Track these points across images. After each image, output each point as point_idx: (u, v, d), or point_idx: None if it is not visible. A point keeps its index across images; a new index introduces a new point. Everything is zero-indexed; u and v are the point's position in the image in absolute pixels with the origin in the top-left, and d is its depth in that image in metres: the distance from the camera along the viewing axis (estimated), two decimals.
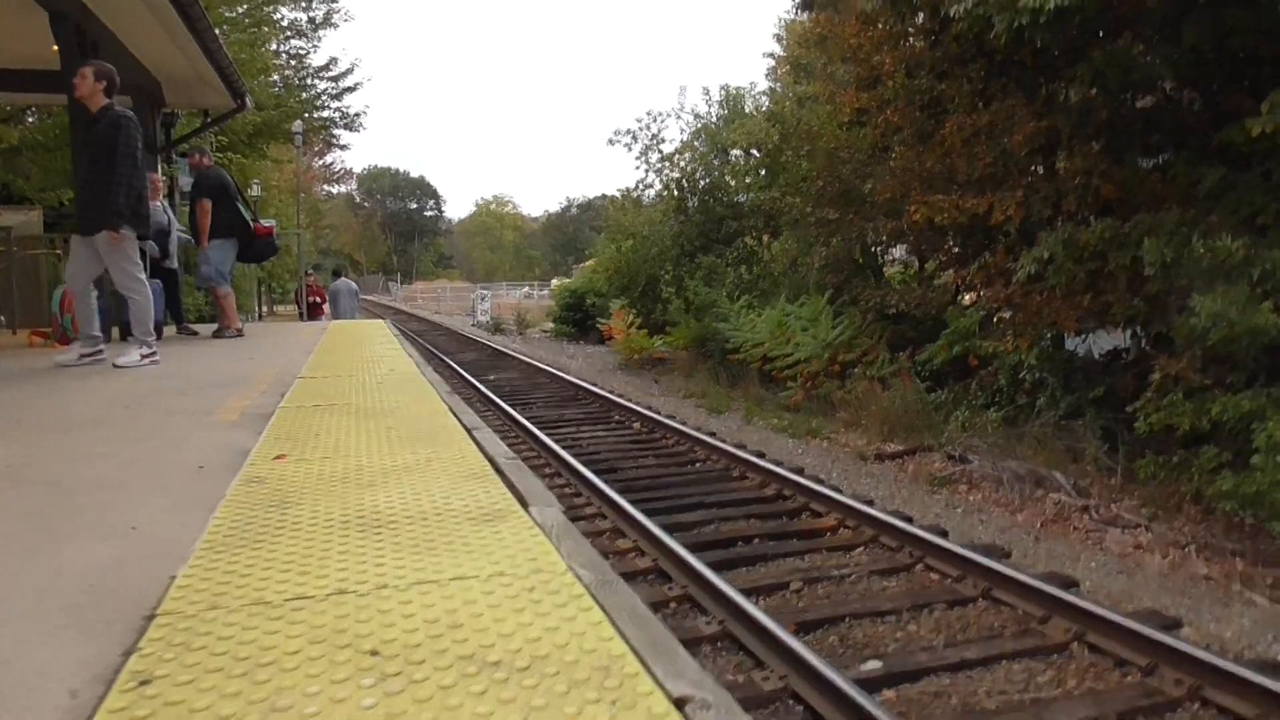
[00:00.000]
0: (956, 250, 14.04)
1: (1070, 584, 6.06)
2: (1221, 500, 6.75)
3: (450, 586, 1.87)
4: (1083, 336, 10.47)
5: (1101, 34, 9.27)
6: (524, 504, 2.50)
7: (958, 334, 12.64)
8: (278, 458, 3.24)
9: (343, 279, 21.59)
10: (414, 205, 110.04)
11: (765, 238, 18.93)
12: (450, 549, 2.09)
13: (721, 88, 21.94)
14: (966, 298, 14.28)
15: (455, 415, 4.01)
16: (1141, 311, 8.72)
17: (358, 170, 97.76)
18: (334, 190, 67.82)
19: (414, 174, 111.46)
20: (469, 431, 3.62)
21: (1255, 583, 6.59)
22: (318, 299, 21.81)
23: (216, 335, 9.92)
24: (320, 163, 50.12)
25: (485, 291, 43.79)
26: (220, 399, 4.91)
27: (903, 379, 12.71)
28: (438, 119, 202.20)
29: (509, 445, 5.58)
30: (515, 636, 1.65)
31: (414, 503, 2.50)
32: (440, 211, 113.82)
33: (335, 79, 22.03)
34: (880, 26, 12.08)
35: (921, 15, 11.02)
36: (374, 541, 2.17)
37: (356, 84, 22.11)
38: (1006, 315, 11.01)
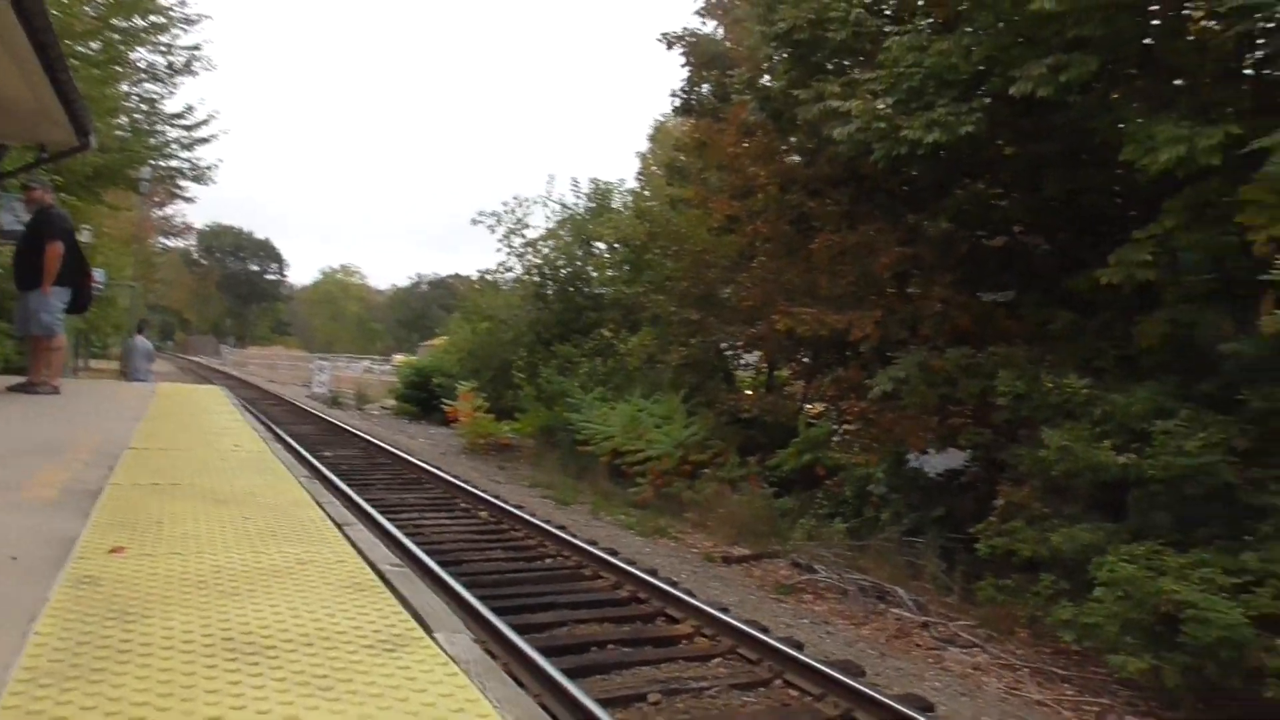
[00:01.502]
0: (807, 361, 14.47)
1: (927, 707, 6.06)
2: (1061, 629, 6.96)
3: None
4: (917, 456, 10.83)
5: (966, 175, 9.85)
6: (426, 628, 2.17)
7: (807, 443, 12.89)
8: (114, 550, 2.75)
9: (139, 336, 19.61)
10: (255, 267, 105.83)
11: (623, 332, 18.99)
12: (351, 690, 1.73)
13: (591, 180, 22.18)
14: (813, 408, 14.66)
15: (320, 506, 3.60)
16: (987, 438, 9.08)
17: (199, 226, 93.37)
18: (170, 244, 64.15)
19: (259, 235, 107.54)
20: (340, 528, 3.24)
21: (1084, 711, 6.78)
22: None
23: (23, 389, 8.50)
24: (160, 214, 47.30)
25: (324, 362, 41.94)
26: (32, 470, 4.23)
27: (751, 483, 12.81)
28: (289, 182, 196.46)
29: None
30: None
31: (293, 621, 2.12)
32: (283, 276, 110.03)
33: (189, 128, 20.84)
34: (758, 139, 12.49)
35: (800, 134, 11.45)
36: (251, 674, 1.78)
37: (211, 136, 20.91)
38: (856, 429, 11.29)
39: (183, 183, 22.43)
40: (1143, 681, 6.28)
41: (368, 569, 2.65)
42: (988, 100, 7.97)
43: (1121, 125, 7.41)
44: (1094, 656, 7.22)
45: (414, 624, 2.17)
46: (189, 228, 64.01)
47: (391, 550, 8.41)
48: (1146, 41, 7.83)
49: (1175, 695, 6.26)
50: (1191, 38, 8.01)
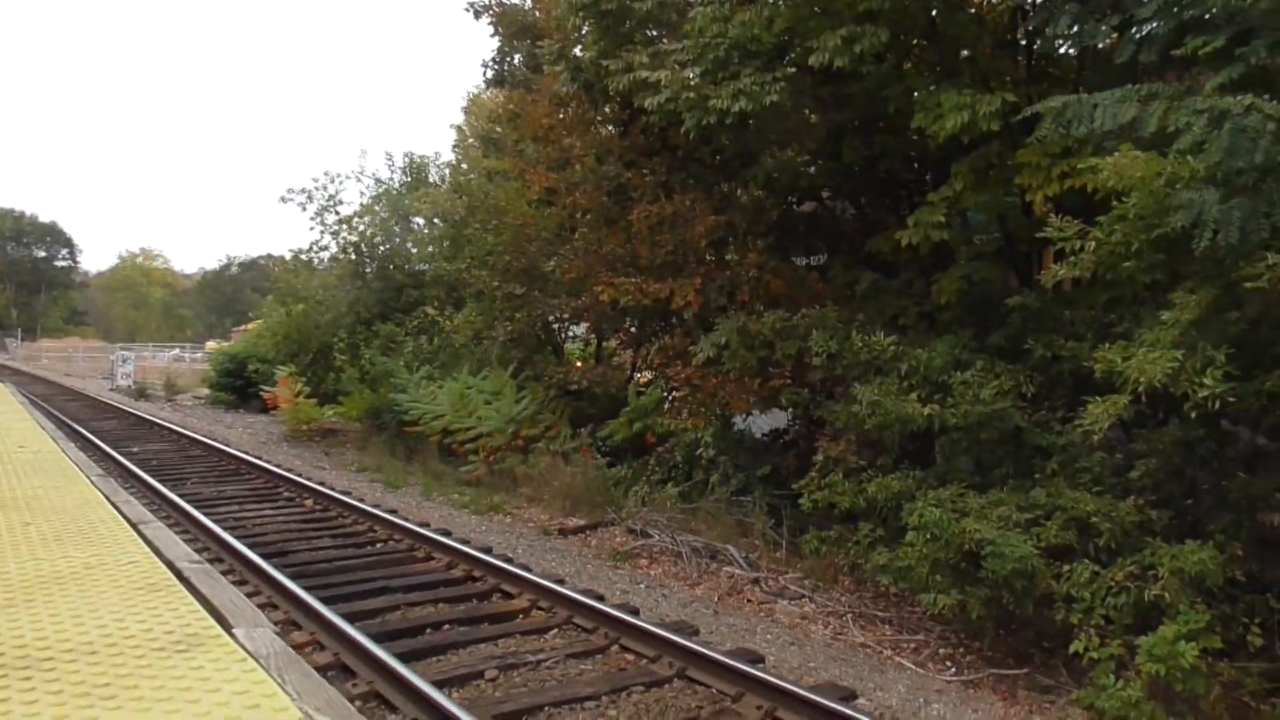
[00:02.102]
0: (634, 331, 14.63)
1: (757, 659, 6.29)
2: (878, 573, 7.37)
3: None
4: (744, 417, 11.20)
5: (773, 143, 10.15)
6: (225, 625, 2.05)
7: (637, 411, 13.08)
8: None
9: None
10: (42, 253, 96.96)
11: (447, 309, 18.61)
12: (136, 697, 1.62)
13: (405, 154, 21.53)
14: (642, 376, 14.87)
15: (114, 505, 3.35)
16: (805, 397, 9.47)
17: None
18: None
19: (43, 218, 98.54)
20: (135, 527, 3.02)
21: (903, 649, 7.24)
22: None
23: None
24: None
25: (127, 353, 39.02)
26: None
27: (584, 455, 12.88)
28: (75, 160, 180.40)
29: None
30: None
31: (75, 629, 1.96)
32: (74, 262, 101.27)
33: None
34: (572, 110, 12.45)
35: (613, 105, 11.48)
36: (22, 690, 1.63)
37: None
38: (683, 395, 11.53)
39: None
40: (950, 616, 6.75)
41: (164, 568, 2.49)
42: (791, 70, 8.23)
43: (913, 94, 7.81)
44: (909, 597, 7.69)
45: (211, 622, 2.06)
46: None
47: (207, 545, 7.99)
48: (932, 14, 8.28)
49: (980, 626, 6.76)
50: (972, 10, 8.54)
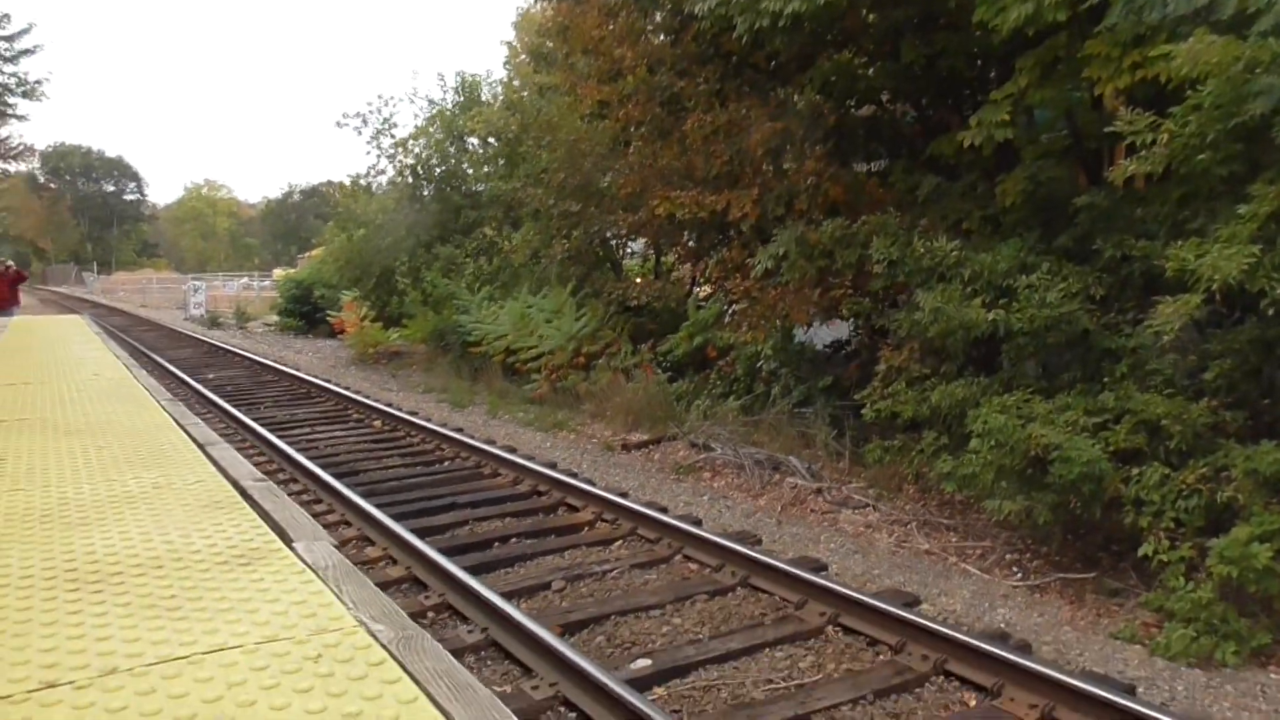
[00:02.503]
0: (693, 245, 14.50)
1: (820, 567, 6.34)
2: (943, 481, 7.32)
3: (207, 664, 1.47)
4: (805, 329, 11.09)
5: (829, 45, 9.80)
6: (286, 539, 2.12)
7: (697, 326, 13.06)
8: None
9: None
10: (111, 188, 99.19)
11: (505, 229, 18.62)
12: (200, 608, 1.69)
13: (458, 74, 21.33)
14: (702, 291, 14.79)
15: (183, 428, 3.46)
16: (866, 306, 9.32)
17: (41, 147, 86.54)
18: (10, 168, 59.40)
19: (110, 153, 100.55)
20: (202, 448, 3.12)
21: (968, 555, 7.22)
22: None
23: None
24: None
25: (199, 283, 40.04)
26: None
27: (645, 370, 12.93)
28: (139, 94, 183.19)
29: (240, 453, 4.99)
30: None
31: (143, 545, 2.04)
32: (143, 195, 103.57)
33: (8, 39, 19.11)
34: (622, 20, 12.14)
35: (663, 12, 11.16)
36: (93, 603, 1.71)
37: (35, 46, 19.25)
38: (743, 307, 11.44)
39: (11, 99, 20.71)
40: (1017, 522, 6.68)
41: (229, 487, 2.58)
42: None
43: None
44: (974, 504, 7.64)
45: (273, 537, 2.12)
46: (29, 149, 59.35)
47: (282, 466, 8.25)
48: None
49: (1046, 531, 6.69)
50: None
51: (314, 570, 1.92)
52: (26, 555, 2.03)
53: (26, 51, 19.50)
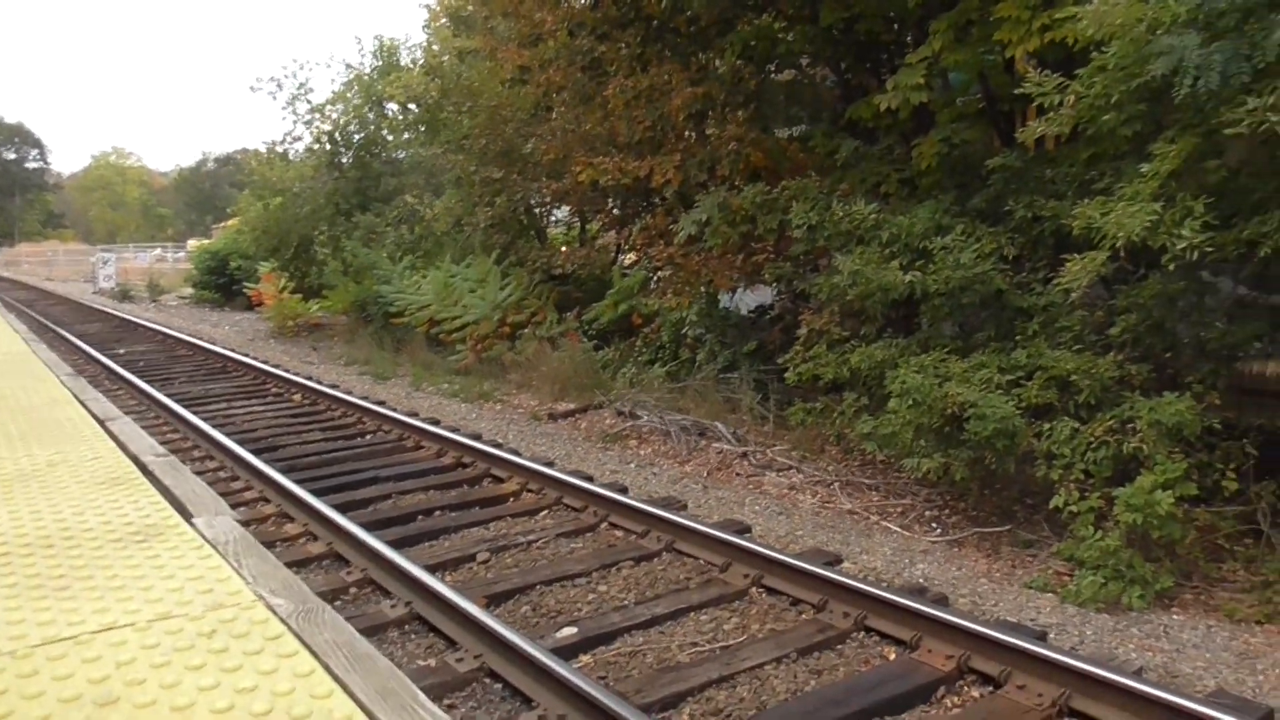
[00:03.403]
0: (617, 212, 14.43)
1: (744, 530, 6.41)
2: (864, 441, 7.45)
3: (95, 644, 1.41)
4: (729, 295, 11.15)
5: (749, 9, 9.78)
6: (186, 515, 2.05)
7: (622, 293, 13.04)
8: None
9: None
10: (11, 155, 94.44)
11: (427, 196, 18.30)
12: (90, 587, 1.62)
13: (375, 38, 20.79)
14: (627, 258, 14.75)
15: (82, 403, 3.32)
16: (788, 271, 9.39)
17: None
18: None
19: (9, 119, 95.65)
20: (102, 423, 3.00)
21: (889, 514, 7.38)
22: None
23: None
24: None
25: (108, 255, 38.58)
26: None
27: (570, 339, 12.89)
28: (39, 57, 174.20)
29: (150, 432, 4.82)
30: (195, 710, 1.26)
31: (33, 524, 1.96)
32: (46, 164, 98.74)
33: None
34: None
35: None
36: None
37: None
38: (667, 274, 11.45)
39: None
40: (935, 479, 6.85)
41: (128, 462, 2.48)
42: None
43: None
44: (894, 463, 7.81)
45: (171, 512, 2.06)
46: None
47: (197, 443, 8.03)
48: None
49: (964, 487, 6.87)
50: None
51: (213, 545, 1.87)
52: None
53: None
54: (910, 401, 6.62)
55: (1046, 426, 6.22)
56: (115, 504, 2.16)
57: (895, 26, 9.30)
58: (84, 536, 1.92)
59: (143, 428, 3.77)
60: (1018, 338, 6.92)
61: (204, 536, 1.92)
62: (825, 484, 8.10)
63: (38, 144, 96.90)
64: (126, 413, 4.49)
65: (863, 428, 7.35)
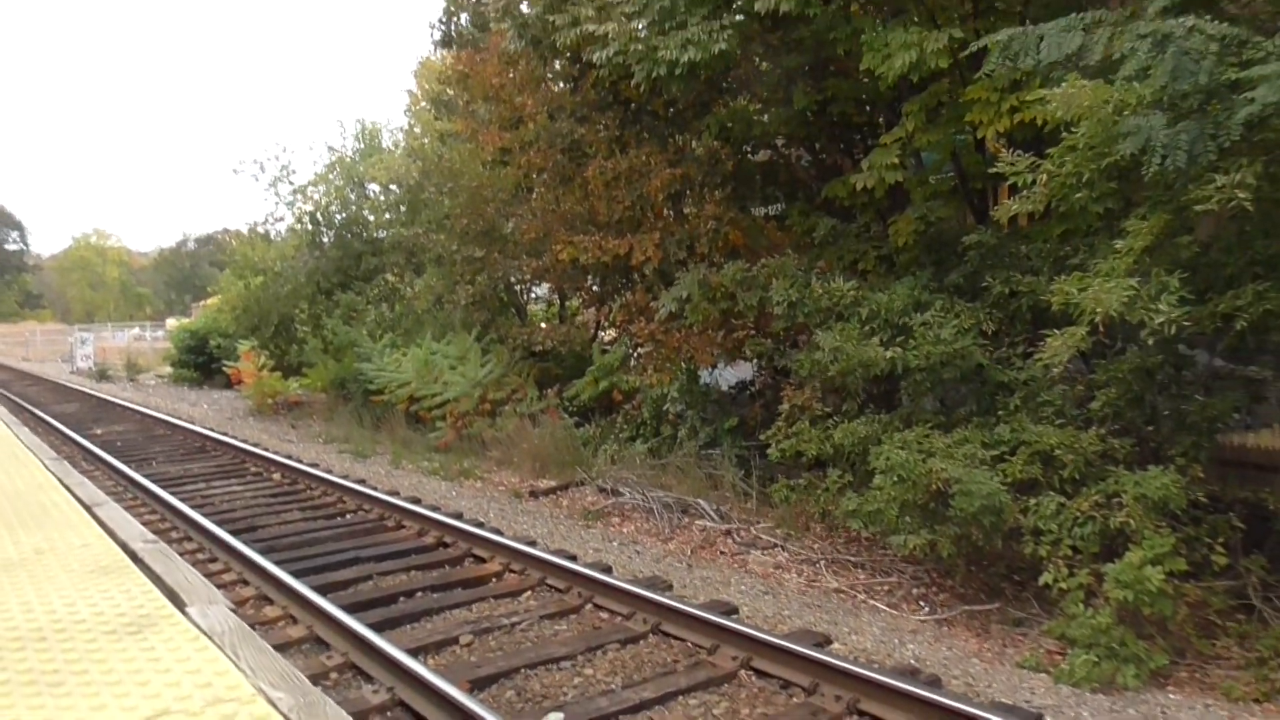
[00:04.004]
0: (596, 289, 14.53)
1: (731, 610, 6.32)
2: (848, 518, 7.40)
3: None
4: (710, 371, 11.18)
5: (725, 92, 10.03)
6: (179, 603, 1.99)
7: (603, 369, 13.04)
8: None
9: None
10: None
11: (408, 275, 18.39)
12: (85, 682, 1.56)
13: (357, 121, 21.13)
14: (607, 334, 14.81)
15: (67, 488, 3.25)
16: (768, 347, 9.45)
17: None
18: None
19: None
20: (89, 509, 2.94)
21: (876, 592, 7.31)
22: None
23: None
24: None
25: (86, 334, 38.39)
26: None
27: (551, 416, 12.84)
28: (21, 140, 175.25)
29: (131, 511, 4.71)
30: None
31: (24, 616, 1.89)
32: (25, 245, 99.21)
33: None
34: (522, 68, 12.22)
35: (562, 60, 11.27)
36: None
37: None
38: (648, 351, 11.49)
39: None
40: (921, 556, 6.79)
41: (117, 550, 2.42)
42: (738, 17, 8.10)
43: (861, 35, 7.71)
44: (880, 540, 7.75)
45: (164, 601, 2.00)
46: None
47: (177, 526, 7.88)
48: None
49: (950, 564, 6.82)
50: None
51: (209, 636, 1.81)
52: None
53: None
54: (895, 478, 6.60)
55: (1032, 502, 6.21)
56: (106, 593, 2.10)
57: (868, 108, 9.56)
58: (77, 628, 1.86)
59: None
60: (1000, 412, 6.95)
61: (199, 626, 1.87)
62: (811, 562, 8.02)
63: (18, 226, 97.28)
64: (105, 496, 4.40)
65: (847, 505, 7.30)
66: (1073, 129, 5.77)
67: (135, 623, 1.92)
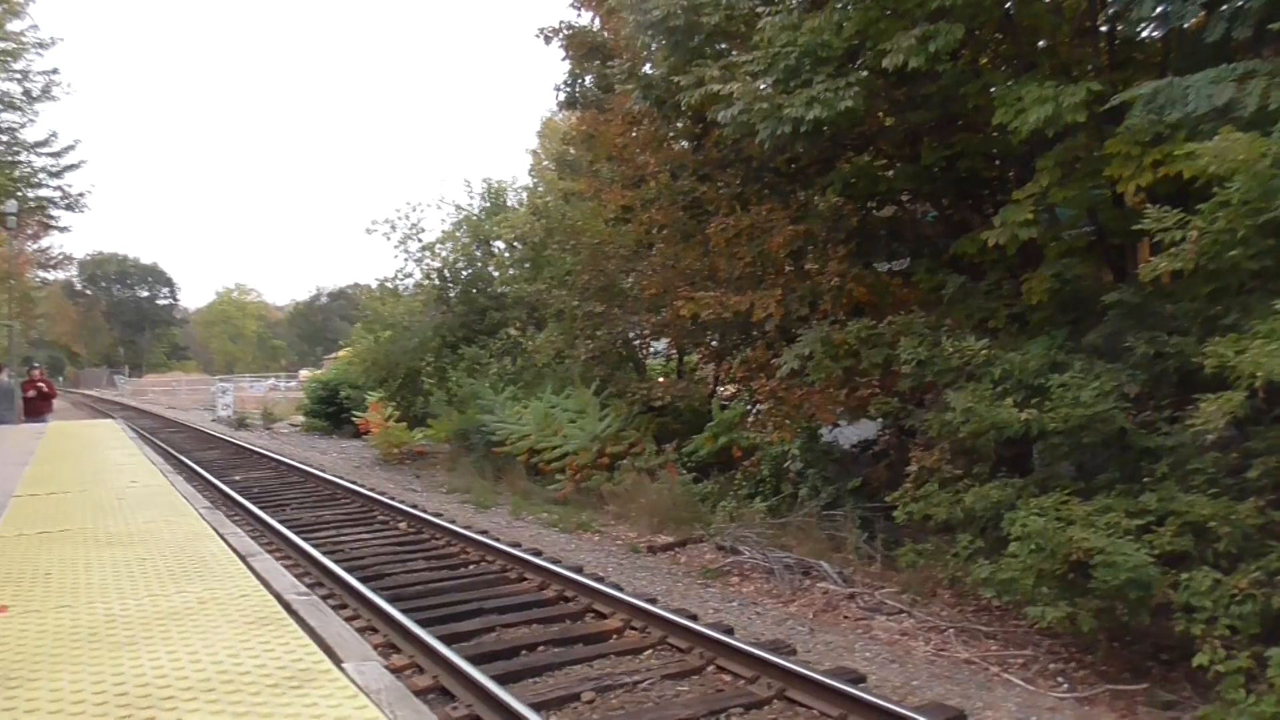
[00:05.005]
0: (715, 344, 14.57)
1: (858, 679, 6.14)
2: (980, 586, 7.12)
3: None
4: (831, 429, 11.01)
5: (849, 148, 10.01)
6: (335, 659, 2.07)
7: (721, 426, 12.99)
8: None
9: (0, 375, 17.73)
10: (145, 293, 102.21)
11: (529, 329, 18.84)
12: None
13: (484, 180, 21.93)
14: (725, 390, 14.79)
15: (222, 537, 3.43)
16: (894, 406, 9.26)
17: (80, 256, 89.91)
18: (49, 277, 61.34)
19: (145, 260, 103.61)
20: (243, 559, 3.09)
21: (1009, 664, 6.98)
22: (42, 388, 18.18)
23: None
24: (35, 247, 45.03)
25: (226, 384, 40.57)
26: None
27: (669, 471, 12.84)
28: (173, 204, 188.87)
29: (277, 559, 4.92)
30: None
31: (192, 666, 1.99)
32: (175, 300, 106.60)
33: (55, 155, 19.96)
34: (645, 128, 12.49)
35: (685, 120, 11.48)
36: None
37: (80, 161, 20.08)
38: (768, 408, 11.41)
39: (55, 212, 21.54)
40: (1060, 629, 6.48)
41: (273, 601, 2.53)
42: (864, 74, 8.11)
43: (991, 89, 7.61)
44: (1014, 610, 7.43)
45: (321, 656, 2.07)
46: (68, 259, 61.27)
47: (313, 574, 8.17)
48: (1007, 6, 8.08)
49: (1091, 638, 6.48)
50: (1047, 1, 8.29)
51: (366, 694, 1.87)
52: (76, 679, 1.98)
53: (71, 167, 20.31)
54: (1032, 546, 6.34)
55: (1184, 576, 5.85)
56: (266, 645, 2.20)
57: (997, 163, 9.38)
58: (242, 680, 1.95)
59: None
60: (1145, 480, 6.61)
61: (355, 684, 1.93)
62: (939, 630, 7.73)
63: (169, 282, 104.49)
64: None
65: (979, 572, 7.04)
66: (1226, 184, 5.53)
67: (296, 677, 2.00)
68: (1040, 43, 8.33)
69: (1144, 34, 8.45)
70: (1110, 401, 6.76)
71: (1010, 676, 6.72)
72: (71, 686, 1.94)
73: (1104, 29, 8.37)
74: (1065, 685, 6.49)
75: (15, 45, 17.38)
